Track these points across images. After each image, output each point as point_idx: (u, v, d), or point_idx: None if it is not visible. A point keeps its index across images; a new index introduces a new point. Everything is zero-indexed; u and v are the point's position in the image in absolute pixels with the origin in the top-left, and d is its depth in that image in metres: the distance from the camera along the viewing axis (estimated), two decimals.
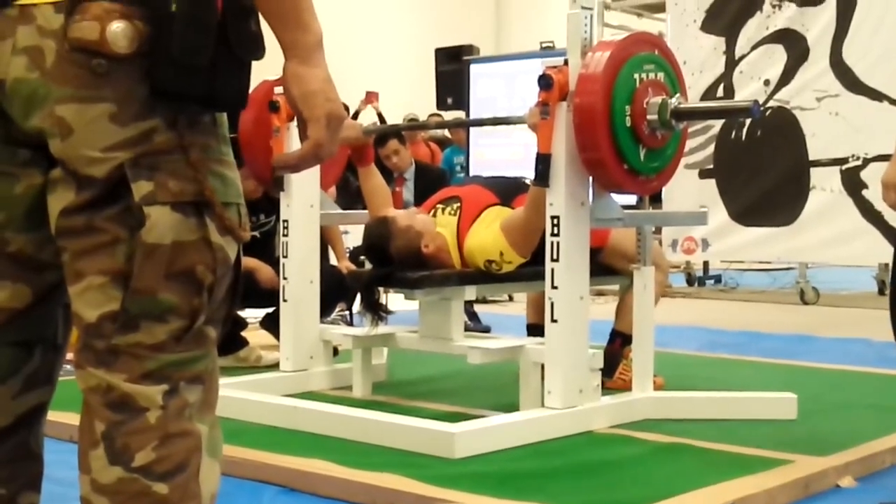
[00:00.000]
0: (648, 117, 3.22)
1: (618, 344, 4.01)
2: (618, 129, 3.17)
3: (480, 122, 4.94)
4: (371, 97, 10.10)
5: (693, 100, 5.94)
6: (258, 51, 1.35)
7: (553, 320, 3.27)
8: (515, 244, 3.58)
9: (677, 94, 3.30)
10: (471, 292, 3.76)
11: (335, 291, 4.73)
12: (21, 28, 1.26)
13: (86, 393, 1.33)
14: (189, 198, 1.31)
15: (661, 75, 3.29)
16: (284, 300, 4.06)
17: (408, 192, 7.10)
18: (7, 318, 1.37)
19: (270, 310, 4.77)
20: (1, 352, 1.39)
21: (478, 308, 6.67)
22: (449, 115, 10.88)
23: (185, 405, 1.34)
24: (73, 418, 2.89)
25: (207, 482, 1.36)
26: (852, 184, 6.68)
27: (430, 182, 6.85)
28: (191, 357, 1.35)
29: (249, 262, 4.59)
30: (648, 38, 3.47)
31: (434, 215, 3.87)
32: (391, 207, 4.15)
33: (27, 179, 1.32)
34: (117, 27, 1.25)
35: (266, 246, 4.81)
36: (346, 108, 4.64)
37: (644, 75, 3.24)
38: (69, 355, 1.43)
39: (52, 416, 1.51)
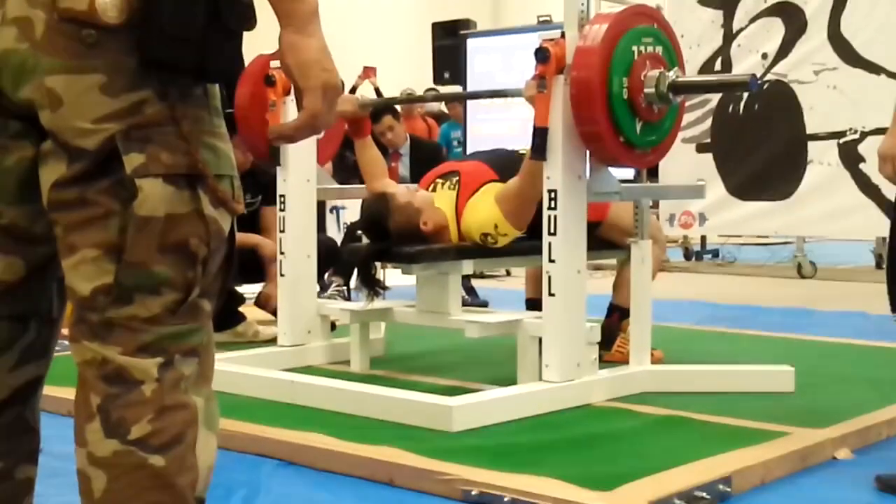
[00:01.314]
0: (646, 90, 3.20)
1: (615, 317, 4.01)
2: (614, 101, 3.15)
3: (477, 95, 4.91)
4: (368, 72, 10.07)
5: (691, 73, 5.92)
6: (249, 21, 1.33)
7: (551, 294, 3.27)
8: (510, 215, 3.57)
9: (675, 68, 3.28)
10: (468, 266, 3.75)
11: (326, 260, 4.74)
12: None
13: (81, 366, 1.33)
14: (181, 170, 1.30)
15: (659, 49, 3.27)
16: (282, 275, 4.06)
17: (403, 168, 7.09)
18: (1, 292, 1.37)
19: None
20: None
21: (475, 283, 6.67)
22: (446, 90, 10.85)
23: (181, 378, 1.34)
24: (69, 393, 2.90)
25: (204, 454, 1.36)
26: (850, 157, 6.68)
27: (425, 157, 6.85)
28: (186, 330, 1.35)
29: (253, 237, 4.61)
30: (647, 10, 3.44)
31: (433, 190, 3.87)
32: (387, 179, 4.14)
33: (18, 152, 1.31)
34: None
35: (253, 224, 4.83)
36: (342, 84, 4.62)
37: (642, 48, 3.22)
38: (64, 329, 1.43)
39: (49, 390, 1.51)
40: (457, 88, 9.62)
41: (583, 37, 3.18)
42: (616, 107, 3.16)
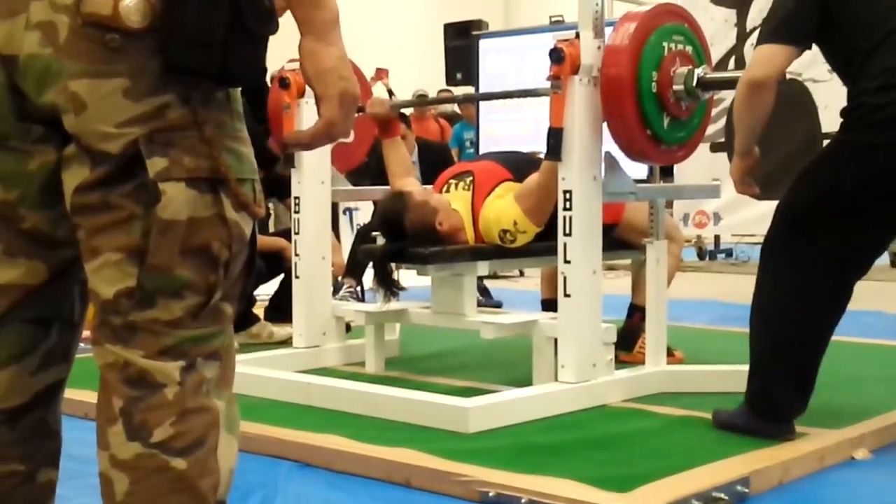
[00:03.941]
0: (675, 87, 3.24)
1: (637, 318, 3.99)
2: (643, 95, 3.18)
3: (506, 95, 4.85)
4: (381, 74, 10.08)
5: None
6: (271, 25, 1.34)
7: (566, 295, 3.27)
8: (529, 211, 3.55)
9: (703, 65, 3.31)
10: (483, 268, 3.75)
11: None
12: (34, 3, 1.26)
13: (103, 369, 1.34)
14: (204, 174, 1.30)
15: (687, 47, 3.32)
16: (297, 277, 4.07)
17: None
18: (23, 296, 1.37)
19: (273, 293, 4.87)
20: (18, 329, 1.39)
21: (488, 283, 6.67)
22: (458, 91, 10.84)
23: (203, 381, 1.34)
24: (87, 395, 2.91)
25: (225, 458, 1.36)
26: None
27: (434, 159, 6.86)
28: (208, 333, 1.35)
29: (279, 241, 4.64)
30: (677, 9, 3.48)
31: (447, 190, 3.86)
32: (412, 178, 4.15)
33: (41, 156, 1.32)
34: (130, 2, 1.24)
35: (265, 225, 4.88)
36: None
37: (672, 45, 3.26)
38: (85, 332, 1.43)
39: (67, 392, 1.51)
40: (469, 89, 9.62)
41: (614, 32, 3.21)
42: (644, 100, 3.18)
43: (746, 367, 2.97)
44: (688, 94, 3.25)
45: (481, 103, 9.03)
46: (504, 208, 3.62)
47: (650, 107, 3.20)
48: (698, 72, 3.26)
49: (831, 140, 2.90)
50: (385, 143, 4.18)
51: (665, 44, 3.24)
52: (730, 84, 2.97)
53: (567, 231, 3.24)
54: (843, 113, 2.82)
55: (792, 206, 2.87)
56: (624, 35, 3.19)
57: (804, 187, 2.87)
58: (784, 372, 2.85)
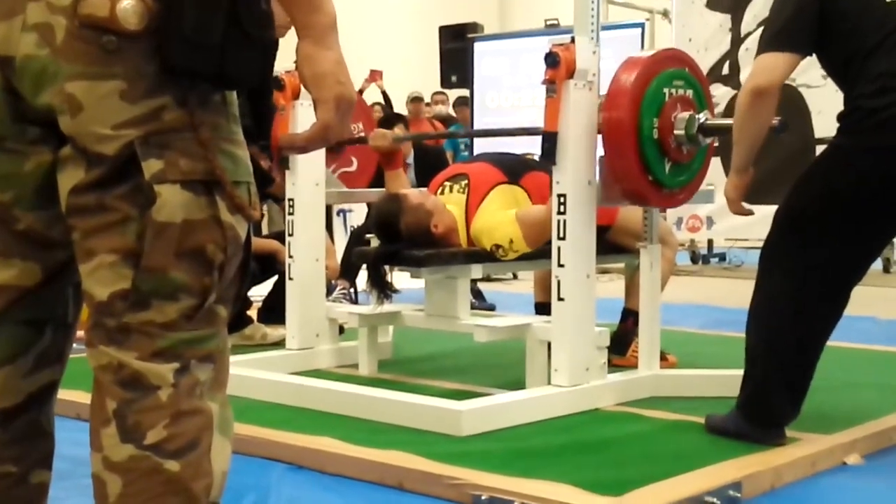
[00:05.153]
0: (676, 132, 3.24)
1: (630, 322, 4.00)
2: (644, 141, 3.18)
3: (505, 133, 4.76)
4: (375, 75, 10.09)
5: None
6: (269, 28, 1.34)
7: (560, 298, 3.27)
8: (528, 237, 3.60)
9: (704, 110, 3.31)
10: (477, 271, 3.75)
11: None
12: (31, 4, 1.26)
13: (97, 371, 1.33)
14: (199, 176, 1.30)
15: (689, 92, 3.31)
16: (290, 278, 4.06)
17: (410, 175, 7.12)
18: (17, 297, 1.37)
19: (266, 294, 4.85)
20: (12, 330, 1.39)
21: (482, 286, 6.67)
22: (453, 93, 10.87)
23: (197, 383, 1.34)
24: (78, 396, 2.90)
25: (218, 460, 1.36)
26: None
27: (430, 162, 6.87)
28: (202, 336, 1.35)
29: (273, 244, 4.64)
30: (678, 54, 3.49)
31: (442, 193, 3.87)
32: None
33: (36, 157, 1.32)
34: (127, 4, 1.24)
35: (258, 228, 4.89)
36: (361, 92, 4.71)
37: (673, 91, 3.25)
38: (79, 333, 1.43)
39: (59, 393, 1.51)
40: (464, 91, 9.64)
41: (616, 77, 3.21)
42: (646, 147, 3.19)
43: (740, 372, 2.98)
44: (688, 140, 3.25)
45: (476, 104, 9.05)
46: (503, 224, 3.64)
47: (651, 152, 3.20)
48: (699, 118, 3.26)
49: (828, 145, 2.90)
50: (388, 175, 4.25)
51: (666, 89, 3.24)
52: (731, 130, 2.96)
53: (561, 235, 3.25)
54: (840, 117, 2.82)
55: (789, 211, 2.88)
56: (625, 81, 3.19)
57: (801, 192, 2.88)
58: (779, 377, 2.86)
